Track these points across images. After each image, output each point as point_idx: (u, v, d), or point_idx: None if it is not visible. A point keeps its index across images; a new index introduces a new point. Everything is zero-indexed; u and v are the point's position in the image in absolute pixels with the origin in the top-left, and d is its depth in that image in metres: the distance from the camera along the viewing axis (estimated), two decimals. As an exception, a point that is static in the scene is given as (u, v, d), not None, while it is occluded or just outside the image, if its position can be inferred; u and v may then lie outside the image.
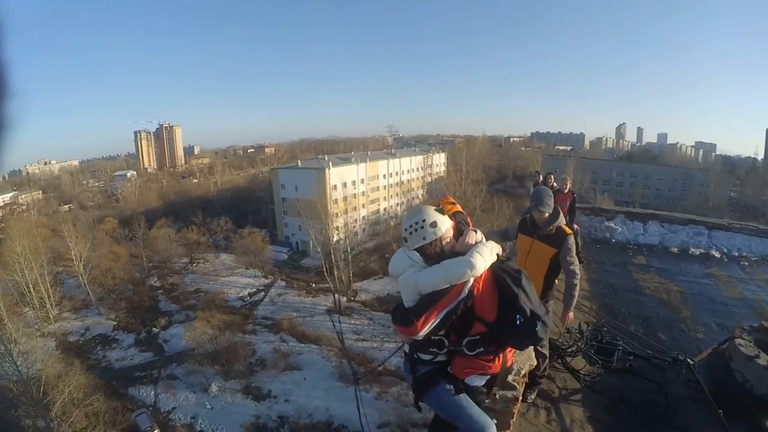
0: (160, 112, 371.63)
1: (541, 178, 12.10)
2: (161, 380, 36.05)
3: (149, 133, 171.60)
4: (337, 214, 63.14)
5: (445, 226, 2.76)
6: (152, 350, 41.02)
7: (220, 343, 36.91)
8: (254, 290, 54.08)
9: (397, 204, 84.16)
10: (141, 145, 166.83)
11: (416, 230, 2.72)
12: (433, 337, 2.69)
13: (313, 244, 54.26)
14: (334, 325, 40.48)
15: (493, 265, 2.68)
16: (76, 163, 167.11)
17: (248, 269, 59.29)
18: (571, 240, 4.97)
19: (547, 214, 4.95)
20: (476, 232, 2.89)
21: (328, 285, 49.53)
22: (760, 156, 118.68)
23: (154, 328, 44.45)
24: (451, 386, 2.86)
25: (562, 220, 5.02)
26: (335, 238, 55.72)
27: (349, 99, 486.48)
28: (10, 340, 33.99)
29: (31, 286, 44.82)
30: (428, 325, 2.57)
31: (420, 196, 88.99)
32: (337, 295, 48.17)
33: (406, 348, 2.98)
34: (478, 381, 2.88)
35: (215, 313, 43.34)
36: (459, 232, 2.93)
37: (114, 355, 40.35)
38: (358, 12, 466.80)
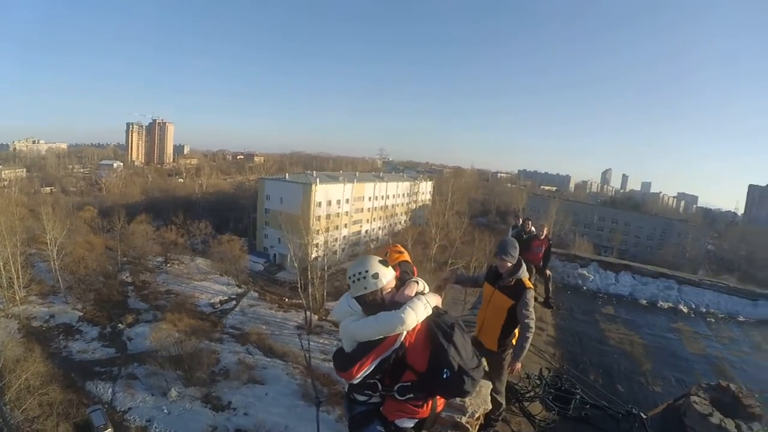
0: (154, 107, 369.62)
1: (520, 221, 12.36)
2: (120, 378, 35.35)
3: (141, 126, 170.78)
4: (318, 231, 63.46)
5: (387, 278, 2.94)
6: (115, 346, 40.31)
7: (185, 347, 36.47)
8: (226, 298, 53.71)
9: (380, 227, 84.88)
10: (131, 138, 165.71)
11: (359, 280, 2.91)
12: (368, 381, 2.88)
13: (290, 258, 54.30)
14: (302, 344, 40.19)
15: (429, 317, 2.84)
16: (64, 146, 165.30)
17: (222, 276, 58.92)
18: (530, 294, 5.03)
19: (509, 264, 5.04)
20: (417, 282, 3.09)
21: (300, 301, 49.44)
22: (740, 211, 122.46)
23: (119, 324, 43.76)
24: (383, 428, 3.06)
25: (523, 273, 5.08)
26: (314, 255, 55.86)
27: (343, 117, 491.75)
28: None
29: (1, 264, 44.04)
30: (362, 372, 2.78)
31: (403, 221, 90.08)
32: (308, 312, 48.04)
33: (346, 388, 3.16)
34: (408, 423, 3.05)
35: (184, 316, 43.03)
36: (403, 281, 3.15)
37: (76, 346, 39.53)
38: (359, 30, 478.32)
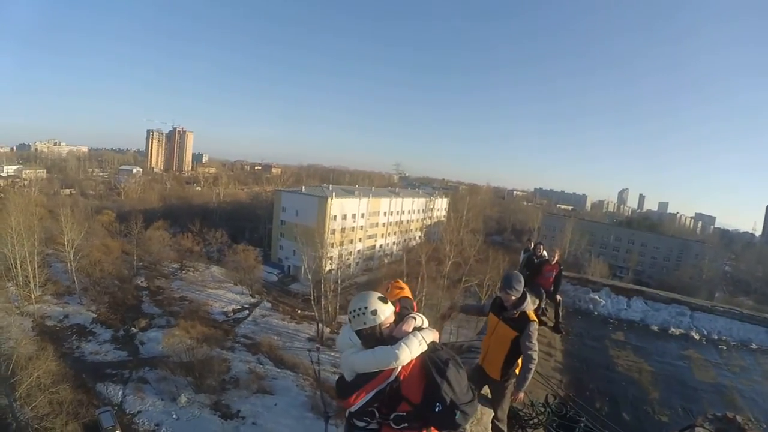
0: (175, 115, 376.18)
1: (532, 245, 12.27)
2: (131, 381, 35.33)
3: (162, 134, 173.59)
4: (333, 244, 63.38)
5: (385, 314, 3.10)
6: (127, 350, 40.40)
7: (196, 354, 36.35)
8: (239, 307, 53.81)
9: (394, 243, 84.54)
10: (151, 144, 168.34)
11: (359, 315, 3.06)
12: (366, 408, 3.02)
13: (304, 270, 54.12)
14: (311, 358, 39.95)
15: (424, 352, 2.99)
16: (85, 149, 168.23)
17: (236, 285, 59.17)
18: (534, 326, 5.06)
19: (513, 298, 5.06)
20: (415, 318, 3.23)
21: (313, 313, 49.33)
22: (758, 232, 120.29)
23: (133, 328, 43.92)
24: None
25: (528, 306, 5.10)
26: (327, 268, 55.85)
27: (360, 131, 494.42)
28: (-13, 312, 33.76)
29: (18, 262, 44.60)
30: (360, 401, 2.97)
31: (418, 237, 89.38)
32: (321, 325, 47.86)
33: (347, 413, 3.23)
34: None
35: (197, 323, 42.97)
36: (402, 317, 3.29)
37: (88, 347, 39.67)
38: (378, 51, 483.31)
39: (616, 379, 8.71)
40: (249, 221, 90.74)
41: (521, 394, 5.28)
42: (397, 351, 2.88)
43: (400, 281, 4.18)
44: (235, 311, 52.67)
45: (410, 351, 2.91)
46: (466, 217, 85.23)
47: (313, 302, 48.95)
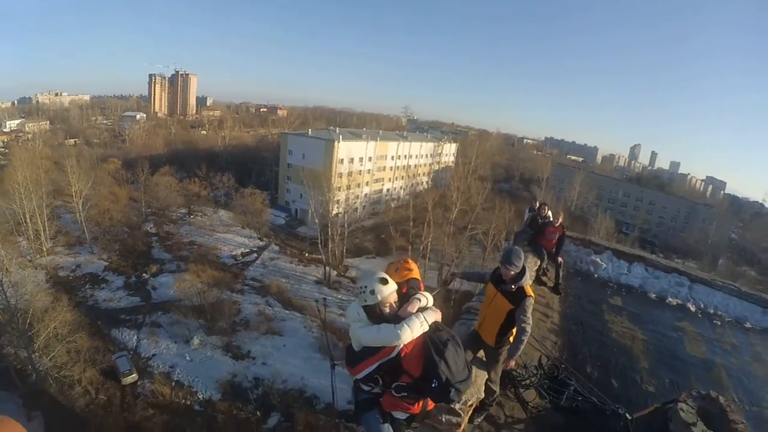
0: (177, 58, 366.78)
1: (537, 204, 12.24)
2: (145, 326, 36.56)
3: (164, 78, 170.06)
4: (339, 188, 63.04)
5: (383, 294, 3.33)
6: (140, 295, 41.51)
7: (207, 297, 37.45)
8: (247, 250, 54.59)
9: (401, 187, 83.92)
10: (154, 89, 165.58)
11: (361, 293, 3.36)
12: (372, 375, 3.35)
13: (311, 213, 54.33)
14: (318, 308, 40.71)
15: (426, 332, 3.25)
16: (87, 98, 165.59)
17: (244, 229, 59.80)
18: (530, 301, 5.17)
19: (513, 273, 5.14)
20: (420, 299, 3.48)
21: (320, 256, 49.91)
22: None
23: (144, 274, 44.91)
24: (380, 416, 3.57)
25: (526, 281, 5.19)
26: (334, 212, 55.81)
27: (369, 77, 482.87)
28: (1, 268, 34.36)
29: (27, 216, 45.02)
30: (364, 371, 3.32)
31: (425, 183, 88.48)
32: (328, 268, 48.53)
33: (353, 378, 3.58)
34: (401, 415, 3.60)
35: (206, 267, 43.91)
36: (409, 297, 3.54)
37: (102, 295, 40.76)
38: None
39: (609, 344, 8.82)
40: (255, 164, 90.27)
41: (512, 362, 5.45)
42: (399, 331, 3.16)
43: (410, 261, 4.42)
44: (243, 255, 53.47)
45: (412, 331, 3.18)
46: (475, 164, 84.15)
47: (320, 245, 49.38)
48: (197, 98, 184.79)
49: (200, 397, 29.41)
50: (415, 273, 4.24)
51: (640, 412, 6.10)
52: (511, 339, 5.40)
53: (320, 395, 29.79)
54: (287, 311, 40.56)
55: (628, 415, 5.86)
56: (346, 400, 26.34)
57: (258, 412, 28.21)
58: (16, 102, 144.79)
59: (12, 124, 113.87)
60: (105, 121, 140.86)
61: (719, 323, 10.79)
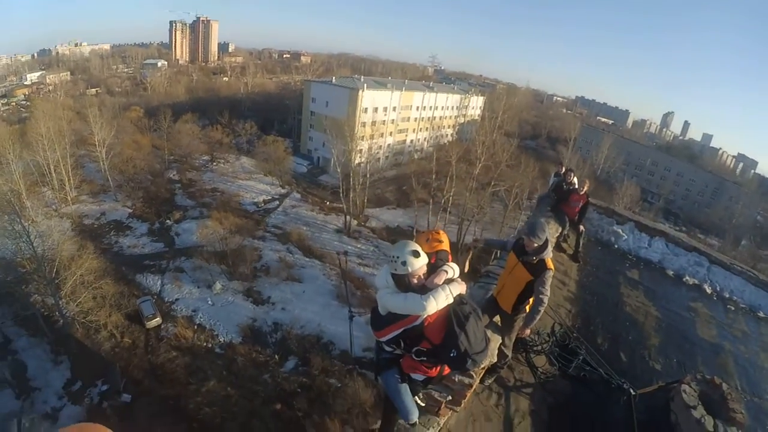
0: (198, 4, 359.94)
1: (563, 170, 12.05)
2: (168, 271, 37.32)
3: (185, 24, 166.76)
4: (363, 137, 61.90)
5: (414, 266, 3.43)
6: (163, 241, 42.26)
7: (229, 244, 37.79)
8: (269, 198, 54.88)
9: (425, 139, 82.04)
10: (175, 36, 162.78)
11: (393, 262, 3.47)
12: (395, 338, 3.58)
13: (334, 162, 53.69)
14: (339, 260, 40.92)
15: (450, 304, 3.38)
16: (107, 47, 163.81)
17: (266, 176, 59.77)
18: (550, 274, 5.22)
19: (536, 245, 5.22)
20: (447, 271, 3.62)
21: (341, 205, 49.66)
22: None
23: (167, 221, 45.57)
24: (399, 376, 3.87)
25: (548, 254, 5.26)
26: (357, 161, 55.14)
27: (395, 23, 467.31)
28: (27, 218, 35.05)
29: (52, 167, 45.65)
30: (388, 335, 3.56)
31: (449, 135, 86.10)
32: (348, 217, 48.45)
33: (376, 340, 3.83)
34: (418, 377, 3.86)
35: (228, 214, 44.06)
36: (436, 268, 3.68)
37: (126, 241, 41.56)
38: None
39: (622, 318, 8.81)
40: (278, 112, 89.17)
41: (527, 330, 5.61)
42: (425, 302, 3.30)
43: (441, 233, 4.43)
44: (265, 202, 53.81)
45: (437, 303, 3.32)
46: (501, 119, 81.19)
47: (342, 194, 49.07)
48: (219, 44, 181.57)
49: (221, 340, 30.13)
50: (446, 245, 4.28)
51: (644, 389, 6.12)
52: (528, 308, 5.51)
53: (336, 342, 30.25)
54: (307, 259, 40.82)
55: (632, 391, 5.90)
56: (361, 347, 27.02)
57: (276, 356, 28.84)
58: (36, 54, 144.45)
59: (33, 76, 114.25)
60: (126, 70, 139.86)
61: (733, 308, 10.43)
